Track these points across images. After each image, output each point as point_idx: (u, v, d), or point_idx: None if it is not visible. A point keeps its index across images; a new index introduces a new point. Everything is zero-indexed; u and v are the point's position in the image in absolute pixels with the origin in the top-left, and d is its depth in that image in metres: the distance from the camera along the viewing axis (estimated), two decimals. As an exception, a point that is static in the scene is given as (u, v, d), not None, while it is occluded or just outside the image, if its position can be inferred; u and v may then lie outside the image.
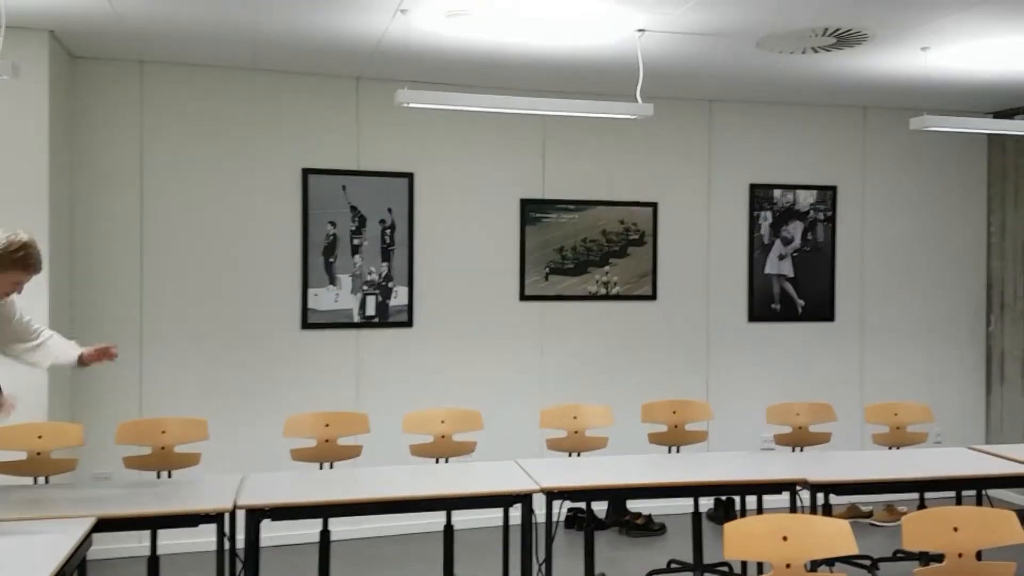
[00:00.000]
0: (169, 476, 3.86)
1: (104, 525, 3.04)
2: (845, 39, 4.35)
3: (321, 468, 4.06)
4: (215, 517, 3.20)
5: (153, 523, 3.26)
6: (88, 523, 2.94)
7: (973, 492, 4.52)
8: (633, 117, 4.52)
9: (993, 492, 5.70)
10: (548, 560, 3.77)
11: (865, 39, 4.36)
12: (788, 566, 2.61)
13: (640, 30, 4.20)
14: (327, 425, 4.14)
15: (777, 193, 6.07)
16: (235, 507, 3.23)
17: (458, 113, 5.30)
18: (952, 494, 4.43)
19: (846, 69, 5.04)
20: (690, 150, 5.93)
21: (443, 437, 4.24)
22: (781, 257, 6.07)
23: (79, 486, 3.73)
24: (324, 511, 3.43)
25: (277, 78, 5.21)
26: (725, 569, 4.50)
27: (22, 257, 2.96)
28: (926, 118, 4.69)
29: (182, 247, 5.08)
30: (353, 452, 4.17)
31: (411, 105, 4.14)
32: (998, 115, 6.25)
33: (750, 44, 4.47)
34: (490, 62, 4.85)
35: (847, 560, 4.19)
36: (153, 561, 3.71)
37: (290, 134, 5.25)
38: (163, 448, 3.90)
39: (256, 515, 3.26)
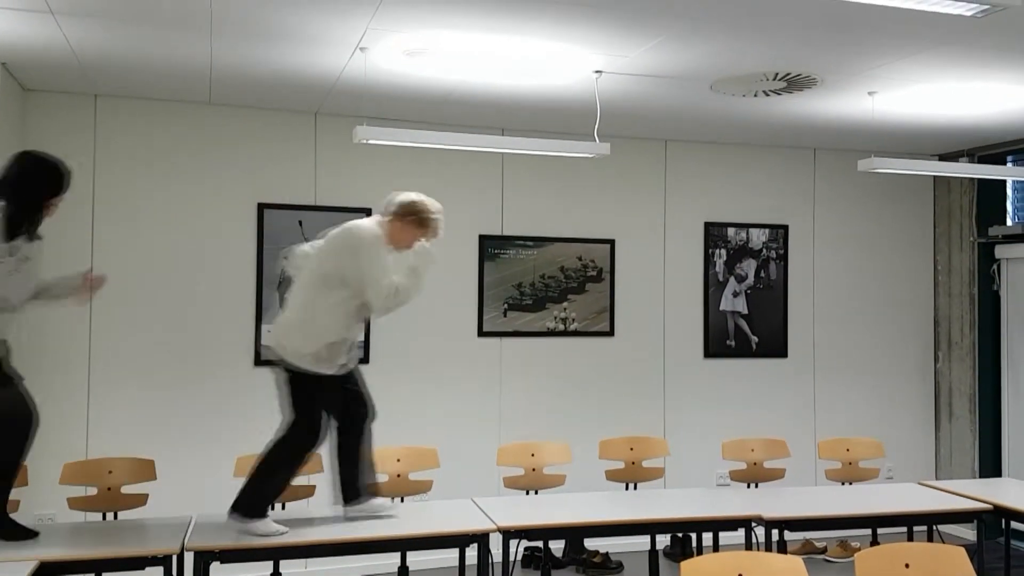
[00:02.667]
0: (115, 518, 3.76)
1: (47, 569, 2.95)
2: (795, 83, 4.47)
3: (272, 508, 3.98)
4: (163, 560, 3.12)
5: (98, 567, 3.16)
6: (30, 567, 2.86)
7: (924, 527, 4.59)
8: (591, 156, 4.58)
9: (943, 527, 5.79)
10: (505, 601, 3.72)
11: (814, 84, 4.48)
12: (744, 605, 2.61)
13: (597, 71, 4.27)
14: (280, 464, 4.05)
15: (731, 231, 6.17)
16: (184, 549, 3.16)
17: (417, 149, 5.32)
18: (904, 530, 4.48)
19: (796, 112, 5.18)
20: (646, 188, 6.01)
21: (399, 476, 4.20)
22: (735, 294, 6.16)
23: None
24: (275, 553, 3.36)
25: (234, 112, 5.19)
26: (682, 607, 4.48)
27: (424, 219, 3.53)
28: (873, 160, 4.82)
29: (133, 282, 4.99)
30: (306, 492, 4.10)
31: (370, 141, 4.15)
32: (943, 157, 6.45)
33: (704, 87, 4.57)
34: (449, 100, 4.89)
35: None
36: (97, 606, 3.59)
37: (246, 168, 5.21)
38: (109, 489, 3.80)
39: (205, 557, 3.18)
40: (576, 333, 5.83)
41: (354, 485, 3.60)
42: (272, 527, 3.34)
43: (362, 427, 3.62)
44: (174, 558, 3.15)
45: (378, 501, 3.65)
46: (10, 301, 3.13)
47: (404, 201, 3.54)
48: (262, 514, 3.37)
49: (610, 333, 5.89)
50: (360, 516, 3.58)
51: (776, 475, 4.67)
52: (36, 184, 3.13)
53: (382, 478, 4.18)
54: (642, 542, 4.42)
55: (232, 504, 3.39)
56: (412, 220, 3.53)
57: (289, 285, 3.68)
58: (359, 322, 3.56)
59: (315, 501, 4.18)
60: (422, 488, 4.22)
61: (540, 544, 4.94)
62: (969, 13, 2.81)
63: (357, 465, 3.60)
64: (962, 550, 2.81)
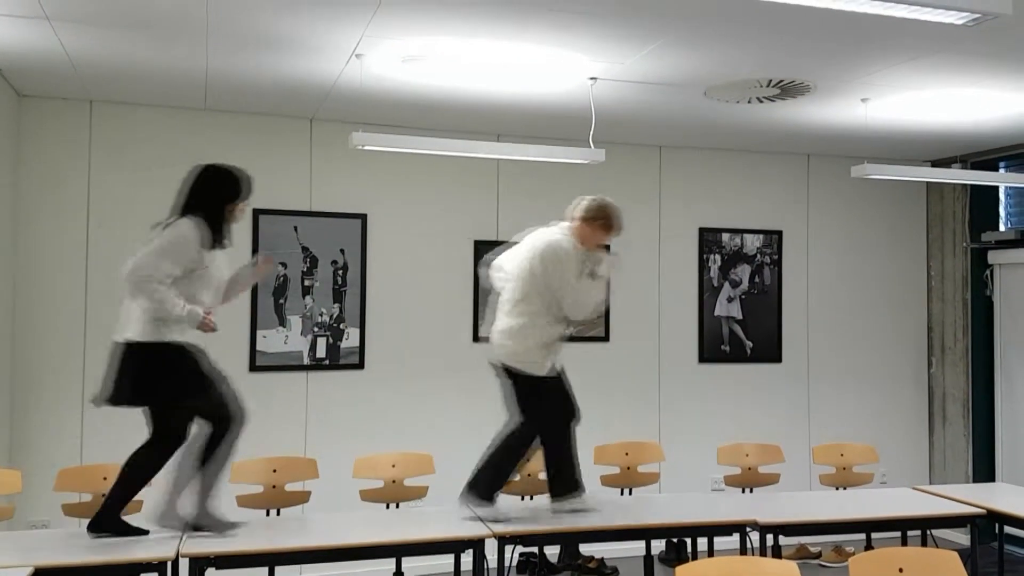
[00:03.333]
0: (110, 524, 3.74)
1: (41, 576, 2.94)
2: (789, 90, 4.49)
3: (268, 515, 3.98)
4: (158, 566, 3.12)
5: (93, 573, 3.15)
6: (25, 573, 2.85)
7: (918, 532, 4.60)
8: (586, 162, 4.60)
9: (937, 532, 5.80)
10: (500, 606, 3.73)
11: (808, 90, 4.50)
12: (739, 610, 2.62)
13: (592, 78, 4.29)
14: (274, 470, 4.07)
15: (725, 237, 6.19)
16: (178, 556, 3.15)
17: (412, 155, 5.33)
18: (898, 534, 4.50)
19: (790, 118, 5.20)
20: (641, 194, 6.03)
21: (394, 482, 4.20)
22: (730, 299, 6.18)
23: (15, 535, 3.59)
24: (271, 559, 3.36)
25: (229, 118, 5.19)
26: (677, 612, 4.49)
27: (611, 222, 3.82)
28: (867, 166, 4.85)
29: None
30: (301, 498, 4.09)
31: (366, 147, 4.16)
32: (935, 164, 6.48)
33: (698, 93, 4.59)
34: (445, 106, 4.90)
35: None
36: (91, 613, 3.58)
37: (242, 174, 5.21)
38: (104, 495, 3.78)
39: (200, 564, 3.18)
40: (571, 338, 5.82)
41: (564, 482, 3.83)
42: (503, 512, 3.68)
43: (570, 426, 3.87)
44: (169, 564, 3.14)
45: (584, 497, 3.87)
46: (204, 304, 3.44)
47: (592, 206, 3.84)
48: (492, 499, 3.70)
49: (605, 338, 5.90)
50: (566, 511, 3.79)
51: (771, 480, 4.68)
52: (219, 193, 3.42)
53: (377, 483, 4.19)
54: (637, 547, 4.43)
55: (469, 485, 3.72)
56: (600, 224, 3.82)
57: (496, 292, 3.98)
58: (565, 327, 3.84)
59: (309, 507, 4.18)
60: (417, 494, 4.22)
61: (535, 550, 4.95)
62: (960, 22, 2.83)
63: (568, 462, 3.84)
64: (956, 555, 2.83)
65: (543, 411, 3.79)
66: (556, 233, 3.85)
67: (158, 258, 3.23)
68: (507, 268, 3.94)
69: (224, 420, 3.38)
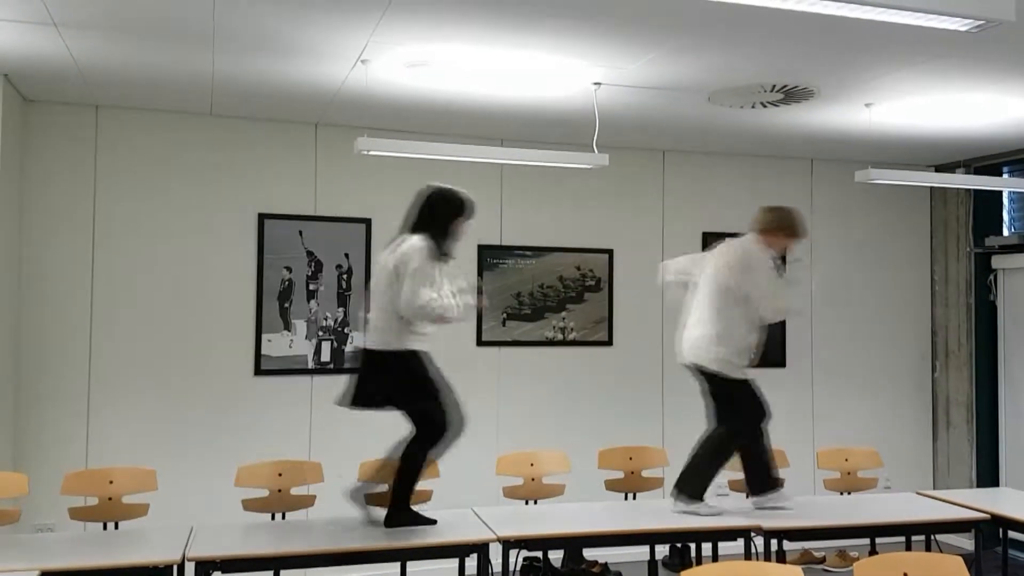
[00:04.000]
0: (116, 527, 3.76)
1: (47, 580, 2.95)
2: (792, 95, 4.50)
3: (273, 518, 3.99)
4: (164, 570, 3.13)
5: (99, 577, 3.16)
6: (31, 578, 2.86)
7: (922, 537, 4.59)
8: (589, 166, 4.61)
9: (941, 537, 5.80)
10: (504, 610, 3.73)
11: (811, 95, 4.51)
12: (743, 615, 2.62)
13: (596, 83, 4.30)
14: (280, 474, 4.08)
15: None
16: (184, 559, 3.16)
17: (417, 160, 5.34)
18: (902, 539, 4.49)
19: (794, 123, 5.21)
20: (645, 198, 6.04)
21: (399, 485, 4.19)
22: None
23: (21, 538, 3.61)
24: (276, 563, 3.37)
25: (234, 123, 5.21)
26: (681, 617, 4.49)
27: (796, 229, 4.10)
28: (870, 171, 4.85)
29: (133, 292, 5.01)
30: (307, 502, 4.10)
31: (370, 152, 4.17)
32: (939, 168, 6.48)
33: (702, 98, 4.60)
34: (449, 111, 4.92)
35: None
36: (97, 616, 3.59)
37: (246, 179, 5.24)
38: (110, 498, 3.81)
39: (206, 567, 3.19)
40: (575, 343, 5.85)
41: (763, 479, 4.06)
42: (713, 507, 3.94)
43: (763, 426, 4.09)
44: (175, 568, 3.15)
45: (782, 493, 4.08)
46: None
47: (778, 216, 4.10)
48: (702, 497, 3.95)
49: (608, 343, 5.91)
50: (764, 508, 4.02)
51: (775, 485, 4.67)
52: (445, 213, 3.70)
53: (383, 487, 4.19)
54: (641, 552, 4.43)
55: (678, 488, 3.99)
56: (786, 232, 4.08)
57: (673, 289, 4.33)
58: (760, 330, 4.06)
59: (315, 511, 4.19)
60: (422, 498, 4.21)
61: (539, 554, 4.95)
62: (964, 28, 2.84)
63: (764, 460, 4.08)
64: (960, 560, 2.82)
65: (741, 412, 4.05)
66: (748, 243, 4.10)
67: (417, 286, 3.53)
68: (694, 273, 4.22)
69: (440, 426, 3.68)
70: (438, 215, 3.69)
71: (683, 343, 4.13)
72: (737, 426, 4.05)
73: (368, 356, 3.68)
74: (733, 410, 4.04)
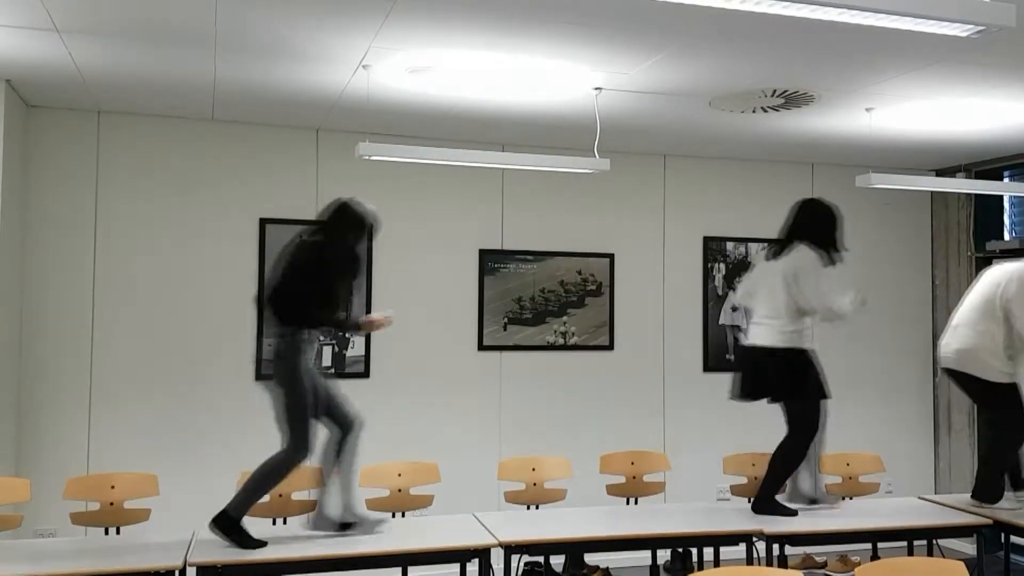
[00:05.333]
0: (118, 533, 3.76)
1: (49, 585, 2.95)
2: (793, 100, 4.51)
3: (275, 523, 3.99)
4: (165, 575, 3.12)
5: (100, 582, 3.16)
6: (32, 584, 2.86)
7: (924, 542, 4.59)
8: (590, 171, 4.61)
9: (943, 541, 5.79)
10: (506, 616, 3.73)
11: (812, 100, 4.52)
12: (745, 620, 2.62)
13: (597, 88, 4.31)
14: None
15: (730, 246, 6.20)
16: (186, 565, 3.16)
17: (418, 165, 5.35)
18: (904, 544, 4.49)
19: (794, 128, 5.21)
20: (646, 203, 6.04)
21: (400, 490, 4.21)
22: (735, 308, 6.18)
23: (23, 543, 3.61)
24: (277, 568, 3.36)
25: (236, 129, 5.22)
26: (683, 622, 4.49)
27: None
28: (871, 176, 4.86)
29: (135, 297, 5.02)
30: (307, 507, 4.09)
31: (372, 157, 4.18)
32: (940, 173, 6.49)
33: (702, 103, 4.61)
34: (451, 116, 4.93)
35: (803, 612, 4.20)
36: (98, 622, 3.59)
37: (248, 184, 5.25)
38: (112, 504, 3.81)
39: (207, 573, 3.19)
40: (576, 347, 5.85)
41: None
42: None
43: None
44: (176, 573, 3.15)
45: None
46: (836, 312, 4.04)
47: None
48: (999, 497, 4.16)
49: (610, 347, 5.91)
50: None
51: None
52: (826, 224, 4.10)
53: (383, 492, 4.19)
54: (643, 557, 4.43)
55: (975, 497, 4.17)
56: None
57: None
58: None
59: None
60: (423, 503, 4.23)
61: (541, 559, 4.94)
62: (964, 34, 2.84)
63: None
64: (962, 564, 2.82)
65: (1011, 410, 4.19)
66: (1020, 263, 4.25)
67: (822, 287, 3.95)
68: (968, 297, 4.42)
69: (813, 425, 4.01)
70: (815, 228, 4.05)
71: (950, 351, 4.34)
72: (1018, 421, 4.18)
73: (759, 353, 4.02)
74: (1002, 407, 4.18)
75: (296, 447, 3.50)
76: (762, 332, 4.03)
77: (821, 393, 4.02)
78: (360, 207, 3.64)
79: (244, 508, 3.45)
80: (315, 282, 3.49)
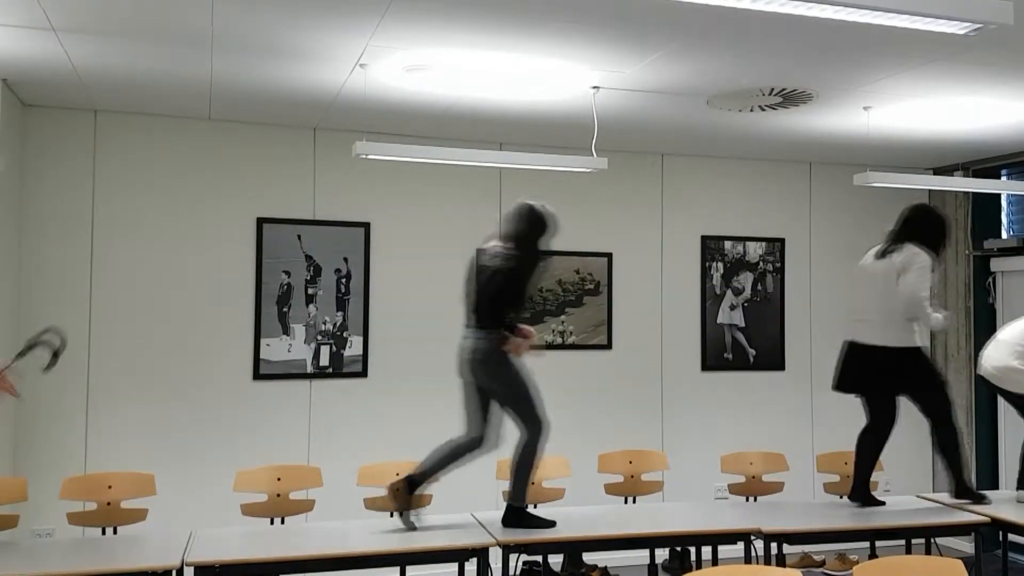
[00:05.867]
0: (115, 533, 3.75)
1: (45, 586, 2.94)
2: (791, 99, 4.51)
3: (272, 523, 3.98)
4: (163, 575, 3.12)
5: (97, 582, 3.15)
6: (29, 584, 2.85)
7: (922, 540, 4.59)
8: (588, 170, 4.61)
9: (941, 540, 5.79)
10: (504, 615, 3.73)
11: (810, 99, 4.52)
12: (743, 619, 2.62)
13: (595, 87, 4.30)
14: (279, 479, 4.07)
15: (728, 245, 6.20)
16: (183, 564, 3.15)
17: (416, 164, 5.35)
18: (902, 542, 4.49)
19: (792, 127, 5.21)
20: (643, 202, 6.04)
21: (397, 489, 4.18)
22: (732, 307, 6.18)
23: (19, 543, 3.60)
24: (275, 568, 3.36)
25: (233, 128, 5.22)
26: (681, 621, 4.48)
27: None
28: (869, 174, 4.86)
29: (132, 297, 5.01)
30: (305, 507, 4.10)
31: (369, 156, 4.18)
32: (938, 171, 6.49)
33: (700, 102, 4.61)
34: (448, 115, 4.92)
35: (801, 610, 4.20)
36: (96, 622, 3.58)
37: (245, 184, 5.24)
38: (109, 504, 3.80)
39: (205, 572, 3.18)
40: (574, 346, 5.85)
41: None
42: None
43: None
44: (174, 573, 3.14)
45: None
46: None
47: None
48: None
49: (608, 346, 5.91)
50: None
51: (775, 488, 4.67)
52: (935, 231, 4.22)
53: (382, 492, 4.18)
54: (641, 556, 4.42)
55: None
56: None
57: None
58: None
59: (314, 516, 4.18)
60: (421, 502, 4.21)
61: (539, 558, 4.94)
62: (962, 31, 2.84)
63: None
64: (960, 563, 2.82)
65: None
66: None
67: (923, 281, 4.05)
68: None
69: (893, 419, 4.30)
70: (927, 231, 4.19)
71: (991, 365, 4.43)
72: None
73: (867, 351, 4.21)
74: None
75: (534, 426, 3.75)
76: (877, 331, 4.19)
77: (944, 381, 4.25)
78: (544, 210, 3.84)
79: (524, 494, 3.74)
80: (511, 284, 3.73)
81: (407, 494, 3.69)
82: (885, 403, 4.34)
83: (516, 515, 3.71)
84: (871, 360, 4.22)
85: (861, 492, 4.30)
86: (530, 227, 3.78)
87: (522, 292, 3.76)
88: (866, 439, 4.38)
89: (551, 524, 3.71)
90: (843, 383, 4.38)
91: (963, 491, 4.20)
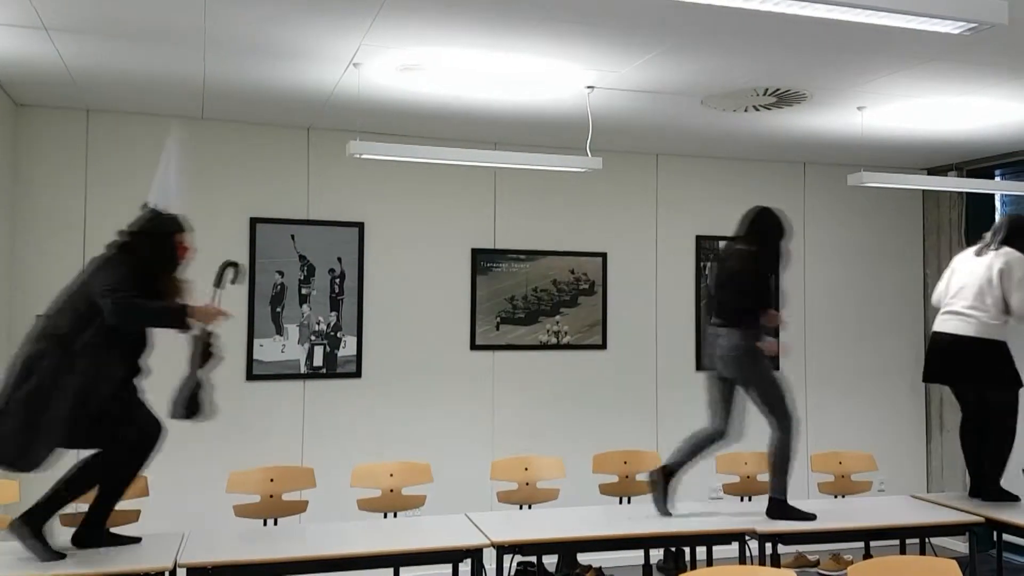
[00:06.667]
0: (107, 534, 3.72)
1: (36, 588, 2.92)
2: (785, 99, 4.51)
3: (265, 524, 3.97)
4: (155, 577, 3.10)
5: (89, 584, 3.13)
6: (20, 586, 2.83)
7: (917, 540, 4.59)
8: (583, 170, 4.61)
9: (936, 540, 5.80)
10: (498, 616, 3.72)
11: (804, 99, 4.52)
12: (738, 619, 2.61)
13: (589, 87, 4.30)
14: (272, 480, 4.06)
15: (722, 244, 6.20)
16: (176, 566, 3.14)
17: (410, 164, 5.34)
18: (896, 542, 4.49)
19: (786, 127, 5.21)
20: (638, 202, 6.04)
21: (392, 491, 4.19)
22: (727, 307, 6.17)
23: (12, 545, 3.57)
24: (269, 569, 3.34)
25: (226, 127, 5.20)
26: (676, 621, 4.48)
27: None
28: (863, 174, 4.86)
29: (126, 297, 4.97)
30: (299, 508, 4.08)
31: (363, 156, 4.16)
32: (932, 171, 6.50)
33: (695, 102, 4.60)
34: (442, 115, 4.91)
35: (796, 610, 4.20)
36: (88, 624, 3.56)
37: (238, 183, 5.22)
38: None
39: (198, 574, 3.17)
40: (569, 346, 5.84)
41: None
42: None
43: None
44: (167, 574, 3.13)
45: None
46: None
47: None
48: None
49: (602, 346, 5.90)
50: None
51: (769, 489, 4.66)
52: None
53: (375, 492, 4.18)
54: (636, 556, 4.42)
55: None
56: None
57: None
58: None
59: (307, 517, 4.17)
60: (415, 503, 4.21)
61: (534, 559, 4.93)
62: (956, 31, 2.84)
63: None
64: (954, 563, 2.82)
65: None
66: None
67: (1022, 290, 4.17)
68: None
69: (1016, 412, 4.30)
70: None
71: None
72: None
73: (951, 341, 4.28)
74: None
75: (785, 420, 3.99)
76: (965, 323, 4.26)
77: (1020, 383, 4.29)
78: (779, 213, 4.04)
79: (785, 487, 3.94)
80: (756, 283, 3.95)
81: (663, 483, 3.93)
82: (973, 394, 4.37)
83: (779, 507, 3.90)
84: (955, 349, 4.29)
85: (977, 487, 4.33)
86: (770, 228, 4.00)
87: (765, 290, 3.96)
88: (966, 433, 4.40)
89: (812, 517, 3.88)
90: (929, 374, 4.47)
91: (998, 493, 4.25)
